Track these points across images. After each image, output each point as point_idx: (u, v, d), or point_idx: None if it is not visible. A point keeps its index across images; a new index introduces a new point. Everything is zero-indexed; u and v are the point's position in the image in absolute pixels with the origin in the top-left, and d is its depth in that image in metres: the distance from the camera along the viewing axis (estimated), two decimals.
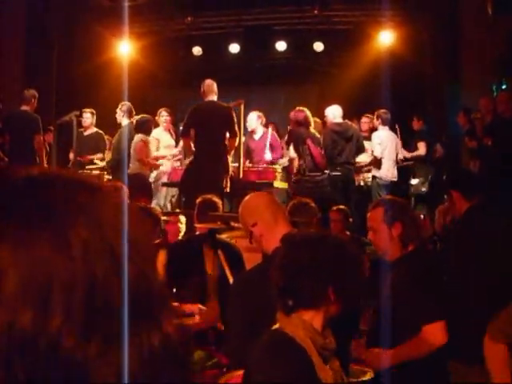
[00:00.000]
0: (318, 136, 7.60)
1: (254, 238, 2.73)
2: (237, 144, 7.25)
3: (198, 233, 4.47)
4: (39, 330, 0.51)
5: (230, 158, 7.18)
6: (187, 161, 7.71)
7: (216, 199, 4.68)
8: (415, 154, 9.06)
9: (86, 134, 8.96)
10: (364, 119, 9.26)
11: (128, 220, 0.60)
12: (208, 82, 7.17)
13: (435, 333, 2.92)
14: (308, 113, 7.43)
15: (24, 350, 0.51)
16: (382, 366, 2.94)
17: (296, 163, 7.57)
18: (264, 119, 8.90)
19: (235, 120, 7.05)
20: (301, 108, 7.47)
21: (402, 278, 3.07)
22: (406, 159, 9.04)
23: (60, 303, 0.52)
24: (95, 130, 9.02)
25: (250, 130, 8.73)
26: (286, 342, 2.00)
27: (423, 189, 8.72)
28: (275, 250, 2.53)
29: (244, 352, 2.38)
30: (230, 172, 7.10)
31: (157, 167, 8.30)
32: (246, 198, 2.90)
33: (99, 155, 8.84)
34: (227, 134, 7.00)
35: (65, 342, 0.51)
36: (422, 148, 8.98)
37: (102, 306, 0.54)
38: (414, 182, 8.93)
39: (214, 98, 7.13)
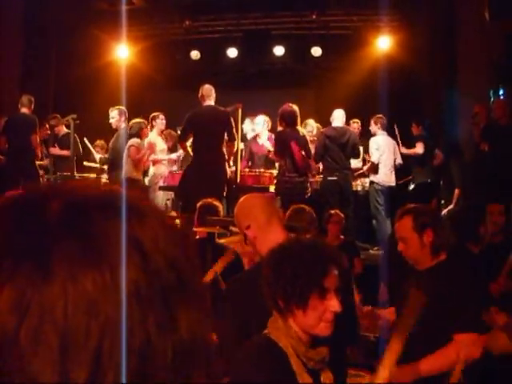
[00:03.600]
0: (305, 137, 7.55)
1: (248, 240, 2.68)
2: (235, 148, 7.26)
3: (197, 237, 4.46)
4: None
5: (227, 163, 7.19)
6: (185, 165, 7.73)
7: (217, 203, 4.67)
8: (412, 150, 9.00)
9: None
10: (353, 125, 9.16)
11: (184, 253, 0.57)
12: (206, 86, 7.18)
13: (467, 343, 2.80)
14: (295, 109, 7.31)
15: None
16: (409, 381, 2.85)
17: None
18: (270, 124, 8.82)
19: (233, 124, 7.07)
20: (290, 104, 7.42)
21: (441, 288, 2.94)
22: (402, 155, 8.96)
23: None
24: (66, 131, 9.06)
25: (255, 133, 8.66)
26: (267, 346, 2.01)
27: None
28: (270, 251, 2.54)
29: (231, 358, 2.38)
30: (228, 176, 7.11)
31: (150, 165, 8.40)
32: (241, 199, 2.85)
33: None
34: (225, 139, 7.01)
35: None
36: (419, 147, 8.92)
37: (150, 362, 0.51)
38: (411, 187, 8.91)
39: (212, 102, 7.14)
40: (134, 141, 7.94)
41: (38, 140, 8.26)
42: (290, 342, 1.99)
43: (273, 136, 8.75)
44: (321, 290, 1.97)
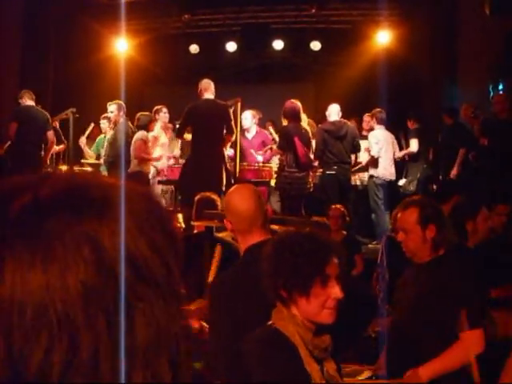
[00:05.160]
0: (308, 133, 7.55)
1: (226, 227, 2.75)
2: (233, 141, 7.25)
3: (196, 231, 4.47)
4: None
5: (227, 156, 7.19)
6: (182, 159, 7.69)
7: (214, 196, 4.67)
8: (407, 151, 9.02)
9: None
10: (366, 118, 9.20)
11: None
12: (205, 81, 7.17)
13: (475, 340, 2.78)
14: (299, 106, 7.38)
15: None
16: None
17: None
18: (257, 118, 8.86)
19: (232, 117, 7.06)
20: (293, 100, 7.44)
21: (438, 282, 2.94)
22: (398, 158, 8.99)
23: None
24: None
25: (244, 128, 8.69)
26: (275, 336, 2.04)
27: (411, 188, 8.66)
28: (248, 250, 2.58)
29: (225, 356, 2.39)
30: (227, 170, 7.10)
31: (157, 160, 8.36)
32: (233, 190, 2.82)
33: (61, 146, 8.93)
34: (224, 132, 7.00)
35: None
36: (413, 145, 8.93)
37: None
38: (401, 182, 8.86)
39: (211, 96, 7.13)
40: (143, 134, 7.79)
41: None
42: (297, 330, 2.02)
43: (264, 131, 8.80)
44: (323, 277, 2.00)
